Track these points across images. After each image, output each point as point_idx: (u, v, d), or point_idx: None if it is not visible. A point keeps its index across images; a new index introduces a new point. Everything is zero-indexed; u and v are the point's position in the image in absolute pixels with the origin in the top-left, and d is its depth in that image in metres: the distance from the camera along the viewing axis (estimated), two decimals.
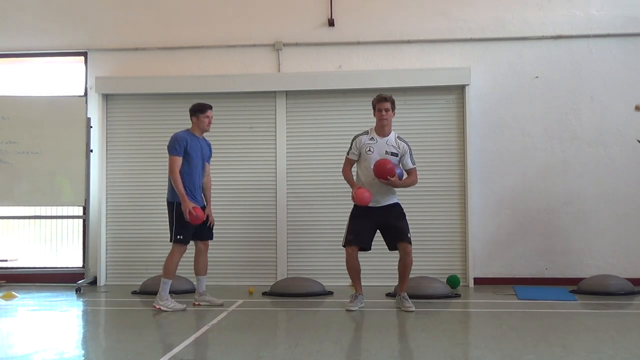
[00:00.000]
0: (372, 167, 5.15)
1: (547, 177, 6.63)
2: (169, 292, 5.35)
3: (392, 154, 5.23)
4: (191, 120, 5.48)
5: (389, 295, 5.88)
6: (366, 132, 5.34)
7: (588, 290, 5.94)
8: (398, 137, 5.34)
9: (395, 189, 5.27)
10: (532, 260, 6.59)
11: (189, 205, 5.18)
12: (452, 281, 6.31)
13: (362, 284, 6.46)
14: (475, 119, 6.64)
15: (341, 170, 5.40)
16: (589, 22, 6.67)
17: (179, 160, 5.26)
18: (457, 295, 5.91)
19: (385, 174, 5.02)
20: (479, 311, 5.40)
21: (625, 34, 6.61)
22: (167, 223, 5.38)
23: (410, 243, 5.18)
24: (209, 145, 5.62)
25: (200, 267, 5.59)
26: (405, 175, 5.31)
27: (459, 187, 6.63)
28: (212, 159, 6.86)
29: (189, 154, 5.32)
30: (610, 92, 6.61)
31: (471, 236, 6.49)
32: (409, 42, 6.83)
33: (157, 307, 5.27)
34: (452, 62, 6.77)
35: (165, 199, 5.44)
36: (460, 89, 6.62)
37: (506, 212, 6.65)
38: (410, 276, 6.01)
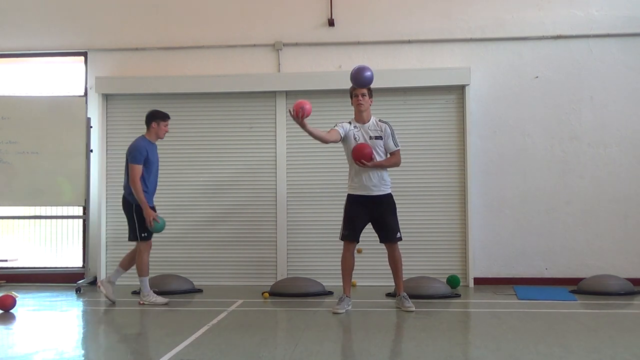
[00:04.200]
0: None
1: (547, 177, 6.63)
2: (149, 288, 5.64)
3: (377, 137, 5.21)
4: (149, 125, 5.66)
5: (389, 295, 5.87)
6: (349, 122, 5.33)
7: (588, 290, 5.94)
8: (379, 120, 5.32)
9: (388, 180, 5.29)
10: (532, 260, 6.59)
11: (152, 214, 5.48)
12: (452, 281, 6.31)
13: (363, 284, 6.49)
14: (475, 119, 6.65)
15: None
16: (589, 22, 6.67)
17: (140, 169, 5.47)
18: (457, 295, 5.90)
19: (361, 157, 5.01)
20: (479, 311, 5.40)
21: (625, 34, 6.61)
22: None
23: (399, 240, 5.27)
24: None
25: (129, 263, 5.75)
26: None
27: (459, 187, 6.63)
28: (212, 159, 6.88)
29: (149, 161, 5.54)
30: (610, 92, 6.61)
31: (471, 236, 6.49)
32: (409, 42, 6.84)
33: (141, 302, 5.55)
34: (452, 62, 6.77)
35: (121, 199, 5.68)
36: (460, 89, 6.62)
37: (506, 212, 6.65)
38: (411, 276, 6.05)
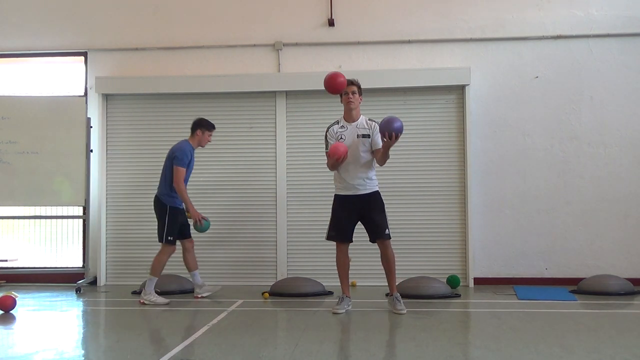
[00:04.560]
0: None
1: (547, 177, 6.63)
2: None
3: (364, 135, 5.13)
4: (194, 132, 5.77)
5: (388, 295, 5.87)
6: (337, 122, 5.30)
7: (588, 290, 5.94)
8: (369, 119, 5.26)
9: (374, 178, 5.20)
10: (532, 260, 6.59)
11: (199, 215, 5.65)
12: (452, 281, 6.31)
13: (363, 284, 6.49)
14: (475, 119, 6.65)
15: (327, 166, 5.27)
16: (589, 22, 6.67)
17: (184, 172, 5.61)
18: (457, 295, 5.90)
19: (335, 85, 4.98)
20: (479, 311, 5.40)
21: (625, 34, 6.62)
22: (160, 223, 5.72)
23: (389, 238, 5.18)
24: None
25: (192, 263, 5.92)
26: (373, 161, 5.24)
27: (459, 187, 6.63)
28: (212, 159, 6.83)
29: (189, 165, 5.70)
30: (610, 92, 6.62)
31: (471, 236, 6.49)
32: (409, 42, 6.84)
33: (142, 301, 5.58)
34: (452, 62, 6.78)
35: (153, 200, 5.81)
36: (460, 89, 6.62)
37: (506, 212, 6.65)
38: (411, 276, 6.05)
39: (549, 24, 6.72)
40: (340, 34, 6.90)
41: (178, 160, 5.59)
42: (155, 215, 5.77)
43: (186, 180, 5.74)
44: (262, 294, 5.95)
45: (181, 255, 6.24)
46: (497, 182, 6.67)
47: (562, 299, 5.69)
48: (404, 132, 6.38)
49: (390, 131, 4.83)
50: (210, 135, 5.84)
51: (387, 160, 5.16)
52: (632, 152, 6.57)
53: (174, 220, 5.64)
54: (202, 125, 5.77)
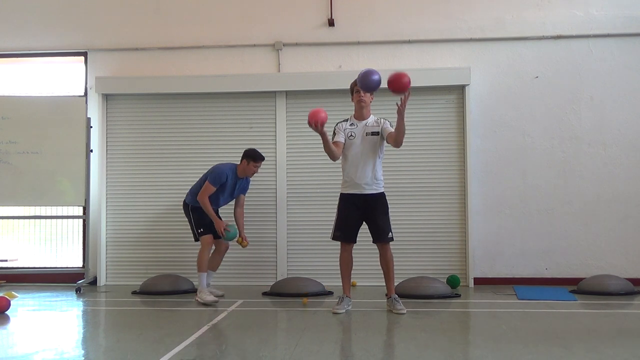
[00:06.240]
0: (354, 152, 5.10)
1: (547, 177, 6.64)
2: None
3: (373, 133, 5.11)
4: (242, 160, 5.90)
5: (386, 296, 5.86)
6: (346, 120, 5.28)
7: (588, 290, 5.94)
8: (378, 118, 5.23)
9: (381, 179, 5.18)
10: (532, 260, 6.59)
11: (222, 225, 5.74)
12: (452, 281, 6.31)
13: (363, 284, 6.48)
14: (475, 119, 6.65)
15: (325, 152, 5.19)
16: (589, 22, 6.68)
17: (212, 190, 5.71)
18: (457, 295, 5.90)
19: (403, 85, 4.66)
20: (479, 311, 5.40)
21: (625, 34, 6.62)
22: (186, 224, 5.99)
23: (391, 241, 5.18)
24: (248, 182, 6.09)
25: (214, 264, 6.03)
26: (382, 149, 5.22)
27: (459, 187, 6.63)
28: (212, 159, 6.85)
29: (222, 188, 5.83)
30: (610, 92, 6.62)
31: (471, 236, 6.49)
32: (409, 42, 6.84)
33: (197, 299, 5.65)
34: (452, 62, 6.78)
35: (180, 202, 6.06)
36: (460, 89, 6.62)
37: (506, 212, 6.65)
38: (411, 276, 6.05)
39: (549, 24, 6.72)
40: (340, 34, 6.90)
41: (211, 178, 5.75)
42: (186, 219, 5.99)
43: (222, 202, 5.93)
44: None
45: (182, 255, 6.25)
46: (497, 182, 6.67)
47: (562, 299, 5.70)
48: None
49: (368, 84, 4.82)
50: (257, 166, 5.91)
51: (404, 136, 4.97)
52: (632, 152, 6.57)
53: (199, 215, 5.78)
54: (248, 156, 5.89)
